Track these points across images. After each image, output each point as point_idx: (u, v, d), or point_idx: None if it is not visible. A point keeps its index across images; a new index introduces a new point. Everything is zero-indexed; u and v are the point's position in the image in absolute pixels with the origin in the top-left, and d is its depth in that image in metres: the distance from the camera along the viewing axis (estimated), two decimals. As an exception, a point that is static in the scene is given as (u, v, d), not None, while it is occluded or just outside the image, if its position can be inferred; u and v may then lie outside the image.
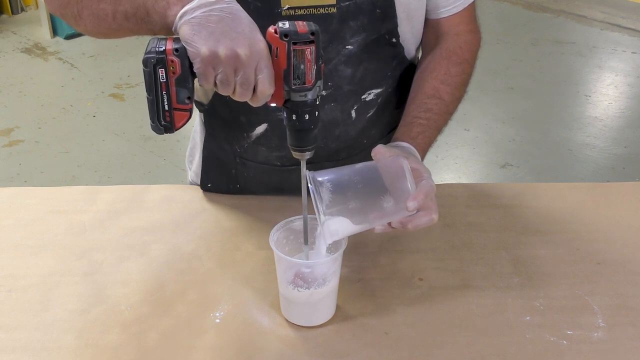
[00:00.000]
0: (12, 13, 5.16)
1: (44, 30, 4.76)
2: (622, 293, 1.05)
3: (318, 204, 0.89)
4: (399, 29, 1.13)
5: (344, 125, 1.17)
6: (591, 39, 4.98)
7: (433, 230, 1.18)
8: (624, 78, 4.31)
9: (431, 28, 1.19)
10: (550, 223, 1.21)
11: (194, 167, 1.36)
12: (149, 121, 0.86)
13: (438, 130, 1.13)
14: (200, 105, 1.23)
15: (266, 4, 1.04)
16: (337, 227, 0.90)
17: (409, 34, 1.17)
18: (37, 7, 5.11)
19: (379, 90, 1.17)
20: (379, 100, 1.18)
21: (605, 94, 4.09)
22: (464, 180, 3.21)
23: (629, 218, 1.23)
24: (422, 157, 1.08)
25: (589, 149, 3.49)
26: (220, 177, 1.27)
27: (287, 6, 1.04)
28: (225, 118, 1.20)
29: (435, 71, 1.15)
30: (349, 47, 1.10)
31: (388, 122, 1.24)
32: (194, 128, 1.36)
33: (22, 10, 5.18)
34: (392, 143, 1.07)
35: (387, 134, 1.25)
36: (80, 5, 0.96)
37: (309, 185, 0.90)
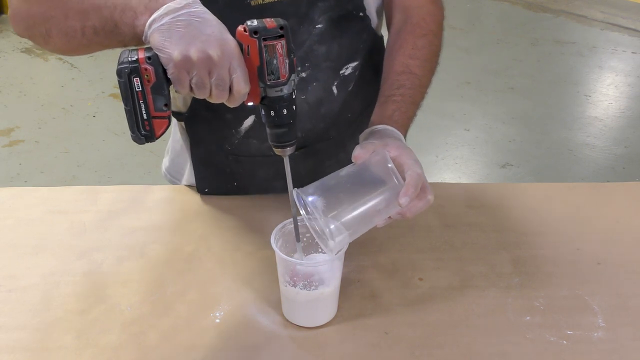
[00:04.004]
0: (12, 13, 5.16)
1: (44, 30, 4.76)
2: (622, 293, 1.05)
3: (317, 223, 0.91)
4: (364, 2, 1.15)
5: (327, 102, 1.18)
6: (591, 39, 4.98)
7: (433, 230, 1.19)
8: (624, 78, 4.31)
9: (396, 5, 1.19)
10: (550, 223, 1.21)
11: (185, 176, 1.35)
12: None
13: (415, 104, 1.12)
14: (179, 115, 1.23)
15: None
16: (339, 239, 0.90)
17: (372, 6, 1.19)
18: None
19: (355, 64, 1.18)
20: (357, 74, 1.19)
21: (605, 94, 4.09)
22: (464, 180, 3.21)
23: (629, 218, 1.23)
24: (404, 133, 1.07)
25: (589, 149, 3.49)
26: (216, 180, 1.27)
27: None
28: (210, 120, 1.19)
29: (403, 47, 1.15)
30: (319, 25, 1.11)
31: (368, 93, 1.24)
32: (173, 141, 1.36)
33: (22, 10, 5.17)
34: (369, 129, 1.06)
35: (369, 107, 1.26)
36: (47, 24, 0.95)
37: (301, 210, 0.92)
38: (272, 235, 0.96)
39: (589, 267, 1.10)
